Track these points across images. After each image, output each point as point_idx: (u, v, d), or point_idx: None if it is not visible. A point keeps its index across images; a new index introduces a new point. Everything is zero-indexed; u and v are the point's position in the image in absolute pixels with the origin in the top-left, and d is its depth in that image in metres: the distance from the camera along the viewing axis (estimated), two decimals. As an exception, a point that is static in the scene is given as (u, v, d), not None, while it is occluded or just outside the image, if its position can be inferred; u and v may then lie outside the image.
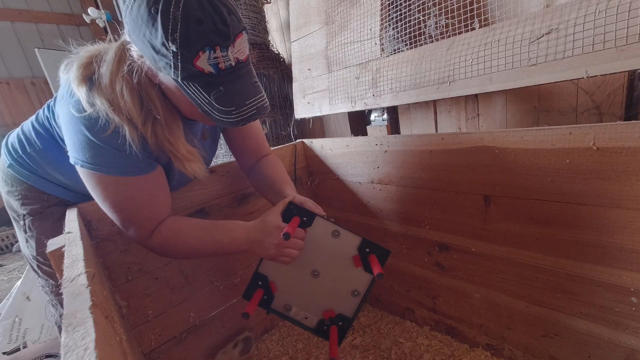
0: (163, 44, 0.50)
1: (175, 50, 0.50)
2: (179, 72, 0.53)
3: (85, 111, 0.62)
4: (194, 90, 0.55)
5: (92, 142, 0.63)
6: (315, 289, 0.82)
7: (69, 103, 0.64)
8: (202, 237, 0.75)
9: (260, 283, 0.81)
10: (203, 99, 0.55)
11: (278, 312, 0.84)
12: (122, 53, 0.63)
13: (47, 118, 0.78)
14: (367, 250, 0.78)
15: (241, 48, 0.55)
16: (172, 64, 0.52)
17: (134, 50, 0.60)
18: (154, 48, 0.52)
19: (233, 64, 0.55)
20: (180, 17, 0.48)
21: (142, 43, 0.54)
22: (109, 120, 0.62)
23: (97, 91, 0.61)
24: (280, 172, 0.93)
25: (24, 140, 0.79)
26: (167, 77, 0.58)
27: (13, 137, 0.82)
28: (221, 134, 0.97)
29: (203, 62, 0.52)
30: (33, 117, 0.81)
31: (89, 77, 0.63)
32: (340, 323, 0.83)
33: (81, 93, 0.61)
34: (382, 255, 0.77)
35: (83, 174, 0.67)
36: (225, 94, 0.56)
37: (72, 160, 0.66)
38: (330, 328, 0.83)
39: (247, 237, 0.74)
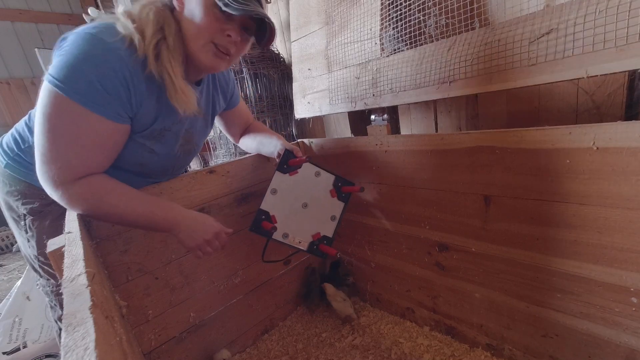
0: None
1: None
2: None
3: (101, 39, 0.64)
4: None
5: (80, 66, 0.62)
6: (305, 217, 1.05)
7: (80, 32, 0.65)
8: (136, 205, 0.73)
9: (263, 217, 0.98)
10: None
11: (278, 241, 1.01)
12: (152, 5, 0.72)
13: None
14: (340, 184, 1.07)
15: None
16: None
17: None
18: None
19: None
20: None
21: None
22: (124, 36, 0.67)
23: (126, 14, 0.70)
24: (267, 130, 1.13)
25: (18, 138, 0.80)
26: None
27: (7, 137, 0.83)
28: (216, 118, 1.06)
29: None
30: (26, 117, 0.82)
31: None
32: (325, 242, 1.07)
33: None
34: (350, 185, 1.07)
35: (45, 92, 0.63)
36: None
37: (45, 77, 0.63)
38: (319, 246, 1.06)
39: (181, 220, 0.78)
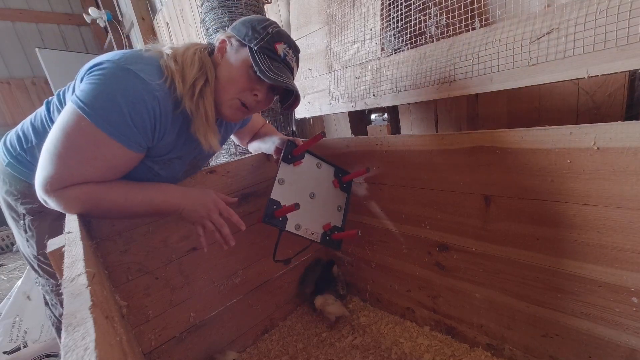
0: (264, 28, 0.77)
1: (270, 31, 0.77)
2: (261, 44, 0.76)
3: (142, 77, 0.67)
4: (262, 59, 0.75)
5: (115, 99, 0.64)
6: (314, 207, 1.05)
7: (121, 66, 0.66)
8: (134, 195, 0.73)
9: (275, 207, 0.96)
10: (265, 65, 0.75)
11: (291, 232, 0.99)
12: (196, 49, 0.79)
13: (46, 118, 0.79)
14: (340, 174, 1.12)
15: (293, 63, 0.83)
16: (261, 38, 0.76)
17: (217, 39, 0.81)
18: (254, 29, 0.77)
19: (289, 63, 0.81)
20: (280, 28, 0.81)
21: (244, 27, 0.78)
22: (165, 75, 0.71)
23: (171, 55, 0.74)
24: (270, 130, 1.18)
25: (22, 137, 0.80)
26: (240, 51, 0.78)
27: (11, 135, 0.83)
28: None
29: (280, 48, 0.78)
30: (31, 116, 0.82)
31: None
32: (336, 232, 1.07)
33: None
34: (348, 173, 1.12)
35: (70, 115, 0.63)
36: (280, 68, 0.78)
37: (72, 99, 0.64)
38: (332, 236, 1.06)
39: (181, 199, 0.79)
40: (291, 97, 0.85)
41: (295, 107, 0.87)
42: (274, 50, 0.77)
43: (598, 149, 0.66)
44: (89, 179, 0.67)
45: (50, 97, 0.81)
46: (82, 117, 0.63)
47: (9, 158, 0.81)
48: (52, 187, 0.64)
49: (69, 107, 0.64)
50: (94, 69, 0.67)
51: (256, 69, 0.74)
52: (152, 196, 0.76)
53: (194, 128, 0.77)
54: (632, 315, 0.70)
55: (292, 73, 0.84)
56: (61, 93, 0.79)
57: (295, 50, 0.83)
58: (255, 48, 0.76)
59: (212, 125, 0.78)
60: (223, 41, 0.80)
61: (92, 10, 3.54)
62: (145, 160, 0.77)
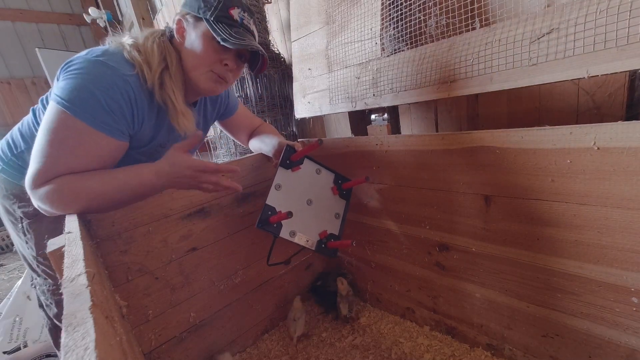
0: None
1: None
2: (216, 13, 0.76)
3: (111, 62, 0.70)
4: (221, 27, 0.76)
5: (90, 89, 0.66)
6: (311, 214, 1.04)
7: (89, 59, 0.70)
8: (110, 179, 0.70)
9: (270, 213, 0.95)
10: (226, 33, 0.75)
11: (285, 239, 0.97)
12: (154, 36, 0.81)
13: (33, 123, 0.82)
14: (340, 181, 1.10)
15: (252, 26, 0.83)
16: (214, 7, 0.76)
17: (173, 21, 0.82)
18: (205, 0, 0.77)
19: (247, 26, 0.81)
20: None
21: (196, 1, 0.78)
22: (132, 63, 0.74)
23: (133, 46, 0.77)
24: (271, 130, 1.17)
25: (11, 143, 0.84)
26: (198, 26, 0.78)
27: (2, 144, 0.87)
28: (219, 124, 1.15)
29: (235, 13, 0.78)
30: (19, 124, 0.86)
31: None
32: (332, 240, 1.05)
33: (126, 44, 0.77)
34: (348, 180, 1.11)
35: (52, 111, 0.66)
36: (241, 32, 0.78)
37: (51, 98, 0.67)
38: (328, 244, 1.04)
39: (156, 171, 0.73)
40: (259, 61, 0.86)
41: (264, 69, 0.88)
42: (230, 17, 0.77)
43: (598, 149, 0.66)
44: (73, 169, 0.67)
45: (35, 105, 0.84)
46: (63, 111, 0.65)
47: (1, 164, 0.84)
48: (39, 180, 0.65)
49: (50, 106, 0.67)
50: (67, 67, 0.70)
51: (218, 38, 0.75)
52: (127, 181, 0.71)
53: (170, 116, 0.79)
54: (632, 315, 0.70)
55: (254, 36, 0.83)
56: (44, 98, 0.82)
57: (250, 13, 0.83)
58: (212, 18, 0.76)
59: (181, 109, 0.79)
60: (179, 21, 0.80)
61: (92, 10, 3.55)
62: (131, 152, 0.79)
